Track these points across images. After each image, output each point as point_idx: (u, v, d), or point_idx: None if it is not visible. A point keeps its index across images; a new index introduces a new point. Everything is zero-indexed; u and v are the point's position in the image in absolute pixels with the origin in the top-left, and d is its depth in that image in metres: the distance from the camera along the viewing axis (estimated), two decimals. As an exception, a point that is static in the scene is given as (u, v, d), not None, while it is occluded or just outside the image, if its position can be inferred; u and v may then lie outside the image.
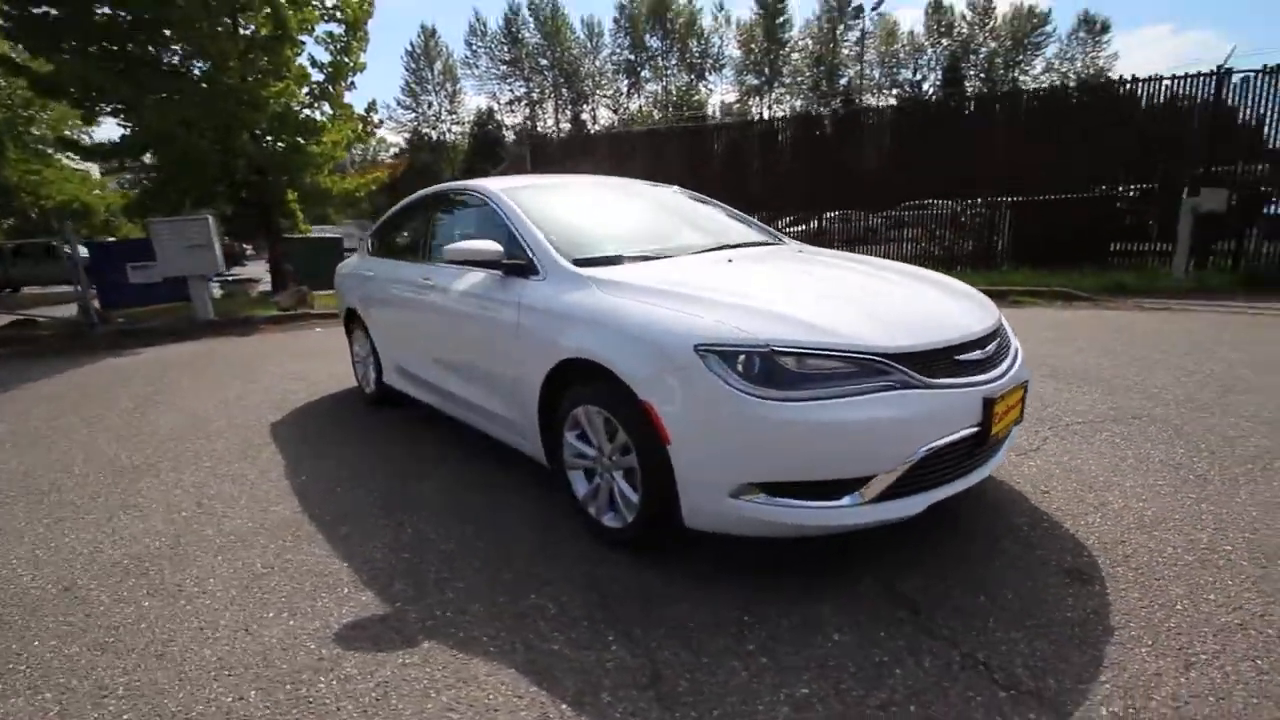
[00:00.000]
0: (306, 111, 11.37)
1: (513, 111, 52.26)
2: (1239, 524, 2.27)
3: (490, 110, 50.80)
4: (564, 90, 51.53)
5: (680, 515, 2.06)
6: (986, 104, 12.49)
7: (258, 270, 15.15)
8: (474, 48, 51.53)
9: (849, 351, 1.91)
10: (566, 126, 46.74)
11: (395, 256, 4.02)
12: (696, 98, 48.76)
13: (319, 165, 11.31)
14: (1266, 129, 8.48)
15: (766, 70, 50.79)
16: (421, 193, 3.88)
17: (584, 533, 2.44)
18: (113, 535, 2.64)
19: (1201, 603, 1.86)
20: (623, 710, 1.56)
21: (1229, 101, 8.66)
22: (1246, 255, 8.59)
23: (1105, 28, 50.99)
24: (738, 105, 50.60)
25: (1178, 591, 1.91)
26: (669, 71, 50.94)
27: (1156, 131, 9.32)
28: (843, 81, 50.09)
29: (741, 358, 1.91)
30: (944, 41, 51.58)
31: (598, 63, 51.58)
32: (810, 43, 49.93)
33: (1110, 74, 46.91)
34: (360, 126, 12.49)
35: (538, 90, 51.56)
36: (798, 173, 11.65)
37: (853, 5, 46.03)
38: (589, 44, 50.98)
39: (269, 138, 10.92)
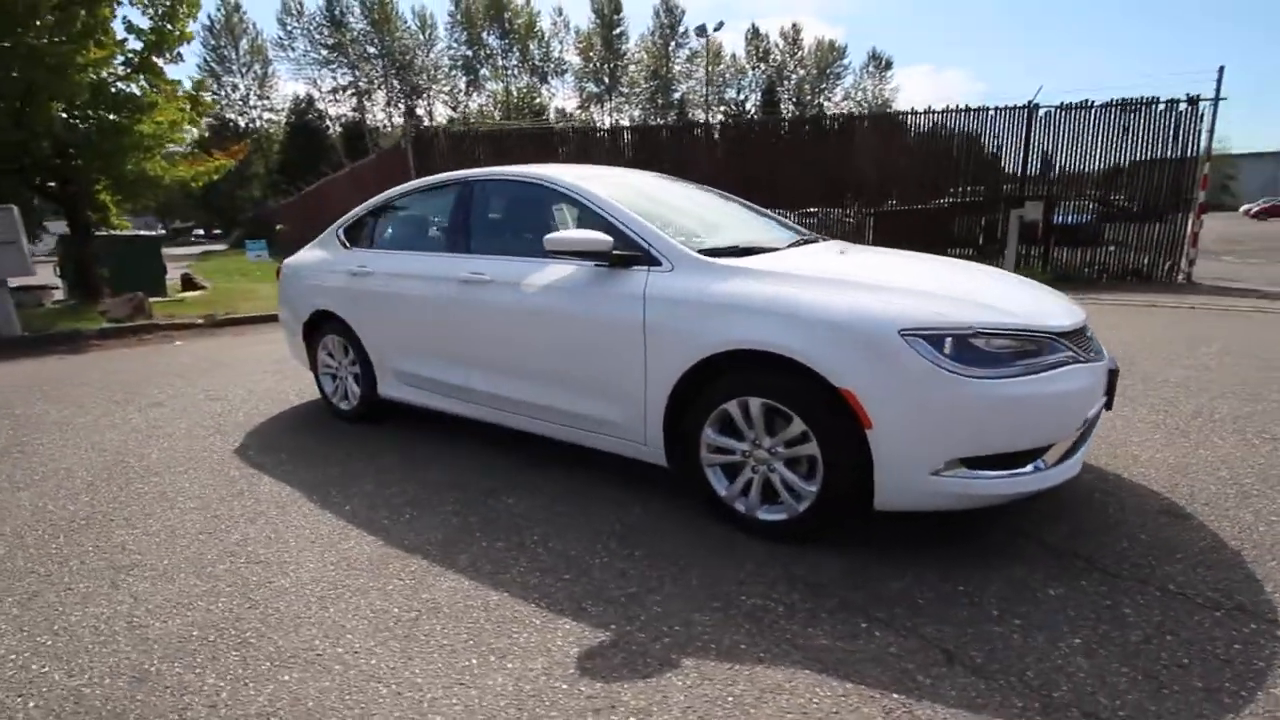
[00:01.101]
0: (129, 86, 9.49)
1: (336, 100, 47.86)
2: (1231, 462, 2.85)
3: (310, 98, 46.01)
4: (395, 82, 48.26)
5: (872, 498, 2.12)
6: (840, 122, 13.82)
7: (44, 274, 12.26)
8: (289, 28, 46.37)
9: (1037, 332, 2.09)
10: (399, 120, 43.70)
11: (403, 249, 3.57)
12: (539, 100, 48.42)
13: (148, 149, 9.49)
14: (1059, 155, 10.54)
15: (606, 79, 51.92)
16: (445, 177, 3.48)
17: (738, 531, 2.38)
18: (187, 618, 2.05)
19: (1273, 520, 2.33)
20: (954, 687, 1.57)
21: (1033, 130, 10.62)
22: (1050, 258, 10.60)
23: (889, 64, 59.55)
24: (579, 111, 51.13)
25: (1248, 516, 2.37)
26: (510, 72, 49.98)
27: (935, 153, 11.18)
28: (676, 95, 52.86)
29: (949, 340, 2.00)
30: (761, 65, 56.55)
31: (433, 56, 49.04)
32: (645, 56, 51.94)
33: (893, 104, 54.53)
34: (190, 107, 10.69)
35: (365, 80, 47.73)
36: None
37: (689, 28, 48.67)
38: (421, 36, 48.30)
39: (82, 114, 8.94)
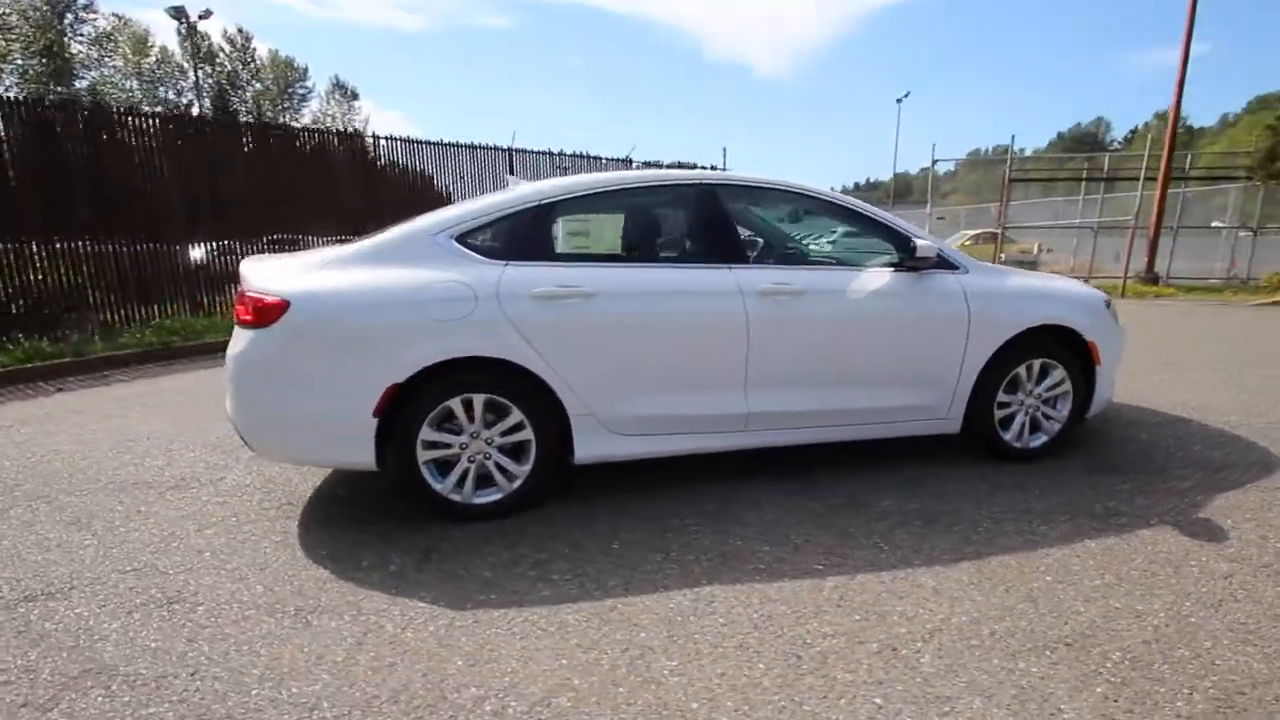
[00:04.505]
0: None
1: None
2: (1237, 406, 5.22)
3: None
4: None
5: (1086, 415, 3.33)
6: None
7: None
8: None
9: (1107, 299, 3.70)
10: None
11: (616, 261, 2.77)
12: None
13: None
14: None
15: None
16: (657, 176, 2.91)
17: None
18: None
19: None
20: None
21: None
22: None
23: (355, 95, 59.33)
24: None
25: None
26: None
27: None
28: (83, 83, 39.64)
29: (1111, 305, 3.40)
30: (208, 69, 48.03)
31: None
32: (26, 24, 37.03)
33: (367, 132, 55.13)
34: None
35: None
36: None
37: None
38: None
39: None
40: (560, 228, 2.92)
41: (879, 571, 2.23)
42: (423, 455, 2.54)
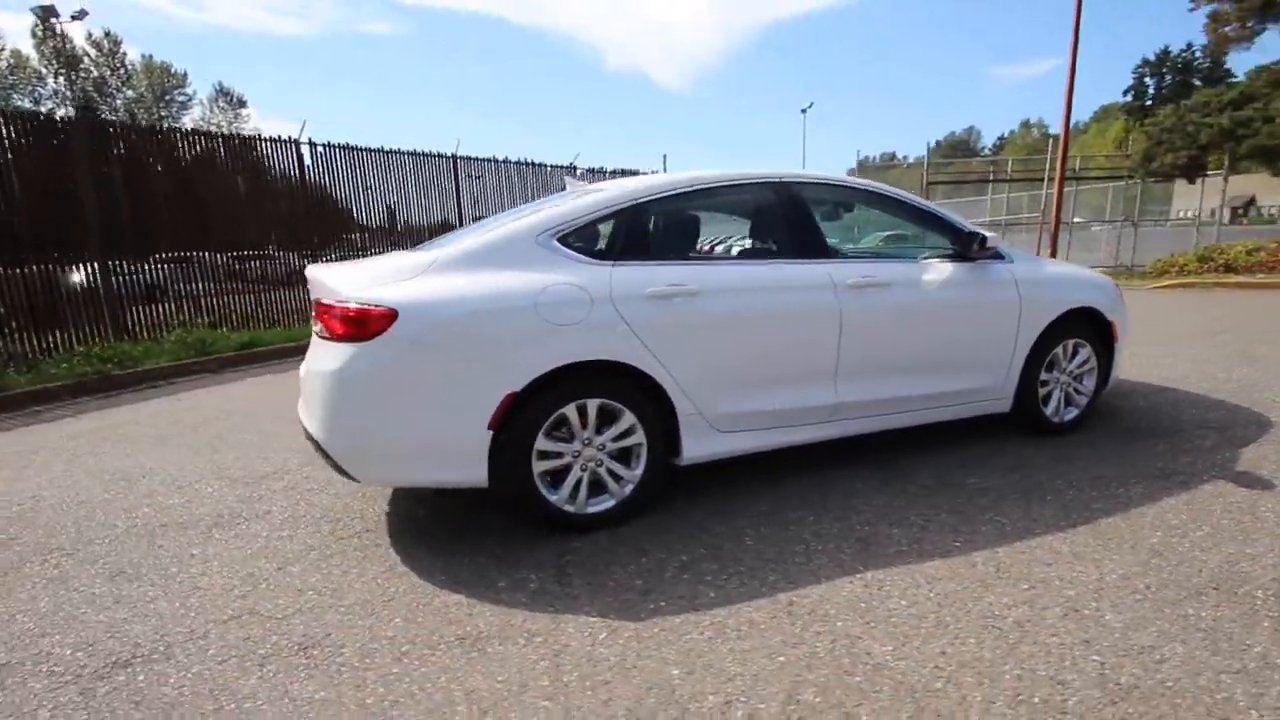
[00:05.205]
0: None
1: None
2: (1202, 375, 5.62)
3: None
4: None
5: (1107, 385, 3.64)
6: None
7: None
8: None
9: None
10: None
11: (707, 259, 2.74)
12: None
13: None
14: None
15: None
16: (738, 175, 2.88)
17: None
18: None
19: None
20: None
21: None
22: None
23: (242, 102, 55.40)
24: None
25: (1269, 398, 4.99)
26: None
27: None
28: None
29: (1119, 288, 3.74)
30: (72, 75, 43.34)
31: None
32: None
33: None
34: None
35: None
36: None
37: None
38: None
39: None
40: (656, 227, 2.86)
41: (1013, 542, 2.34)
42: (537, 466, 2.42)
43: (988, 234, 3.08)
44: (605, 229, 2.62)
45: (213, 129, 51.58)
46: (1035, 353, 3.31)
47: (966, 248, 3.12)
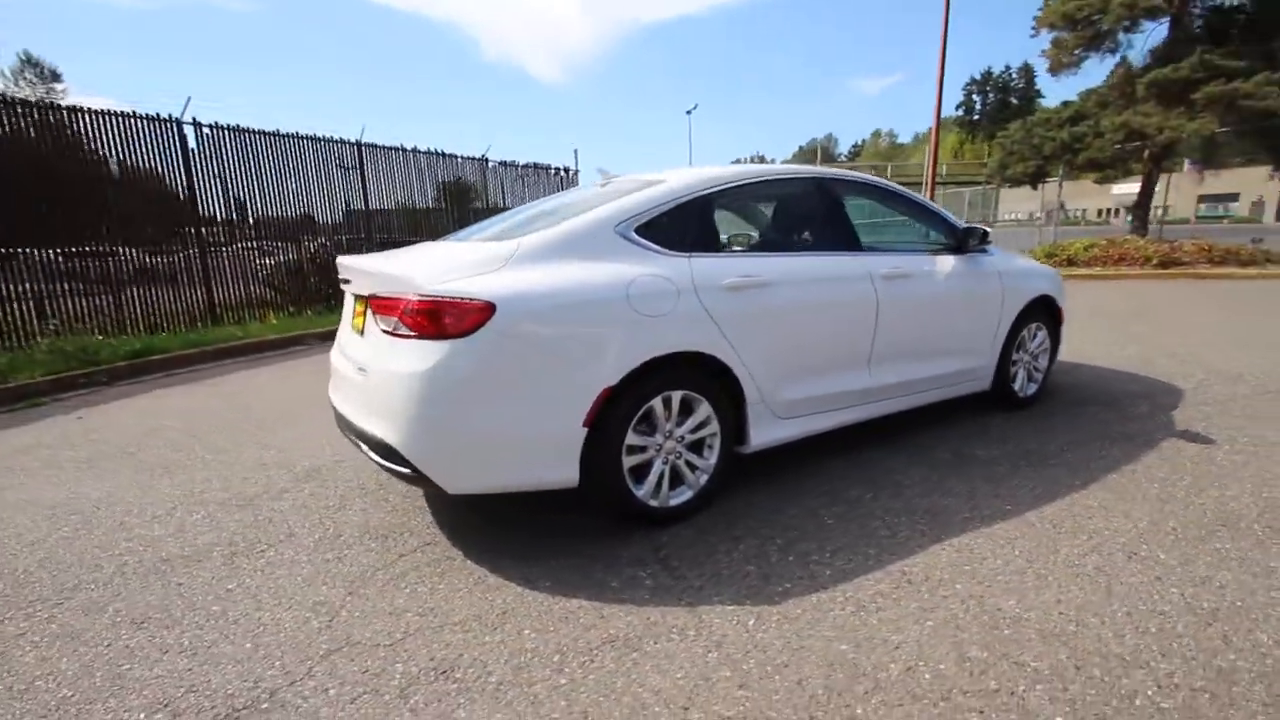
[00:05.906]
0: None
1: None
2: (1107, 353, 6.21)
3: None
4: None
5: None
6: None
7: None
8: None
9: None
10: None
11: (767, 250, 2.80)
12: None
13: None
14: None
15: None
16: (777, 170, 2.99)
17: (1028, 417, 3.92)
18: None
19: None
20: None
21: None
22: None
23: (56, 75, 47.61)
24: None
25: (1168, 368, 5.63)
26: None
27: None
28: None
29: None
30: None
31: None
32: None
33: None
34: None
35: None
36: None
37: None
38: None
39: None
40: (717, 219, 2.87)
41: (1051, 502, 2.64)
42: (626, 461, 2.37)
43: (987, 230, 3.43)
44: (673, 220, 2.61)
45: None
46: (1010, 336, 3.73)
47: (963, 242, 3.45)
